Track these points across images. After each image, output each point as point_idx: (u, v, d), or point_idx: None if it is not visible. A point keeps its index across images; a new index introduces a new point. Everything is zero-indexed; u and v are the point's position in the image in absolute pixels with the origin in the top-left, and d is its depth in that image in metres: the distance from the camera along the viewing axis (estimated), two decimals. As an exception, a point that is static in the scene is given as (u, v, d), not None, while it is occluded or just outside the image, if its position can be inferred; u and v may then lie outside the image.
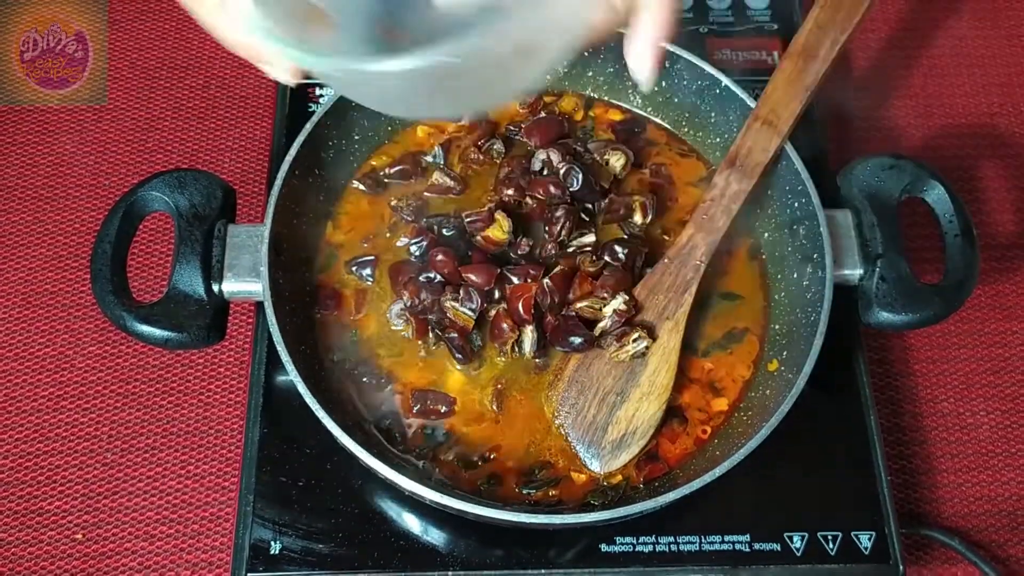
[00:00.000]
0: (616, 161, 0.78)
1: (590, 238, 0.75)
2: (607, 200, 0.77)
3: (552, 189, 0.75)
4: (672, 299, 0.72)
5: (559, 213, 0.74)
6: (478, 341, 0.72)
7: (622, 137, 0.82)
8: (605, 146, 0.79)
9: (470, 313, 0.71)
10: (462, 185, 0.79)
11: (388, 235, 0.77)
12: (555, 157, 0.77)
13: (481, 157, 0.80)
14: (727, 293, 0.77)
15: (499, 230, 0.73)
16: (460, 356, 0.71)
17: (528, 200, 0.76)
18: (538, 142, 0.79)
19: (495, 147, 0.80)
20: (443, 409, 0.71)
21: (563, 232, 0.74)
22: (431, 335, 0.72)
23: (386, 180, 0.79)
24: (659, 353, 0.71)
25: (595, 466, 0.70)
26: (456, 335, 0.71)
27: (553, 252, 0.74)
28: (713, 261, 0.74)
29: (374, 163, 0.80)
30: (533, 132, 0.80)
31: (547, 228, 0.75)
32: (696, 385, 0.74)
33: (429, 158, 0.80)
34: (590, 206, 0.77)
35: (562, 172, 0.76)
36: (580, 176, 0.75)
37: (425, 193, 0.79)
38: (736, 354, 0.75)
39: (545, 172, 0.77)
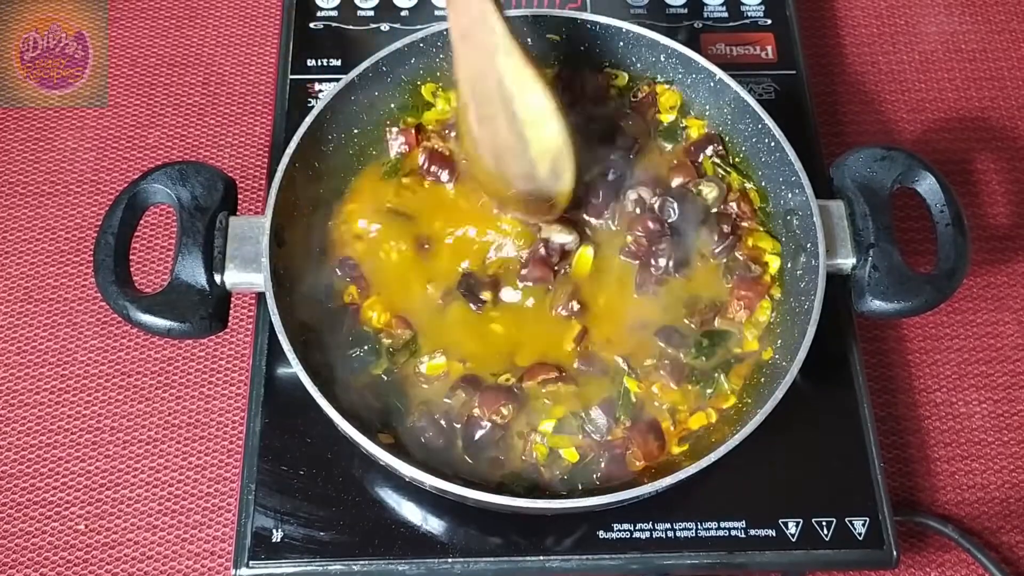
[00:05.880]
0: (709, 192, 0.78)
1: None
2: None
3: (651, 225, 0.75)
4: (482, 30, 0.68)
5: (663, 245, 0.75)
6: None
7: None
8: (699, 179, 0.79)
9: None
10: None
11: None
12: (646, 194, 0.77)
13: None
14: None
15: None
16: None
17: (629, 241, 0.76)
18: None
19: None
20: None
21: (670, 264, 0.75)
22: None
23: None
24: (509, 80, 0.69)
25: (550, 206, 0.72)
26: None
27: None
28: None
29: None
30: None
31: (653, 262, 0.75)
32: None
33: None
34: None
35: (656, 206, 0.76)
36: (676, 206, 0.76)
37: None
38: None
39: (639, 211, 0.77)
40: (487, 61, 0.70)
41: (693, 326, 0.74)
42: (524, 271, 0.75)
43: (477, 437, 0.70)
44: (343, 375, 0.72)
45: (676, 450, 0.71)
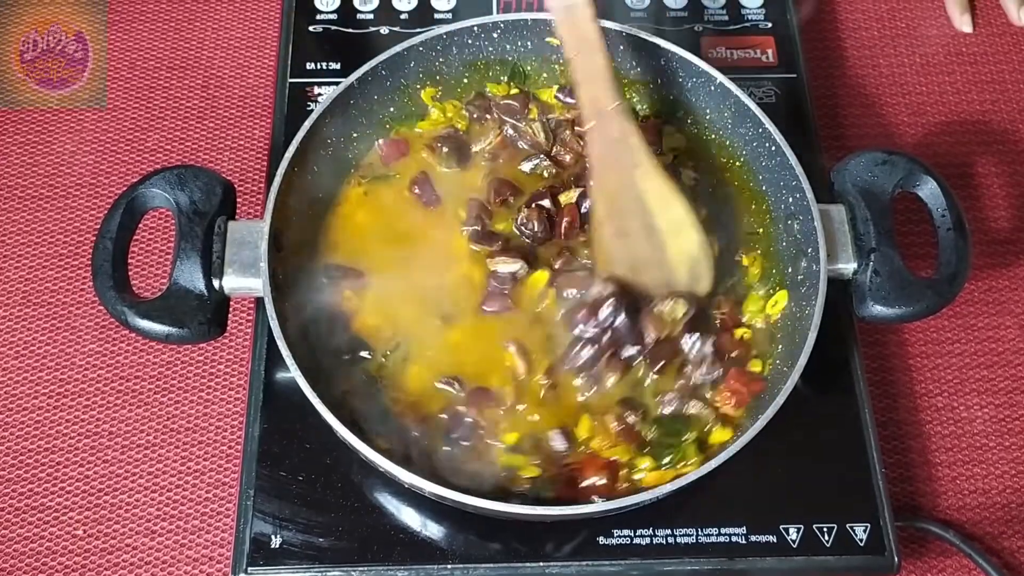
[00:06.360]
0: (674, 309, 0.70)
1: None
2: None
3: (582, 316, 0.70)
4: (622, 150, 0.71)
5: (581, 350, 0.70)
6: None
7: None
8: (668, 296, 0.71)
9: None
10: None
11: None
12: (608, 289, 0.71)
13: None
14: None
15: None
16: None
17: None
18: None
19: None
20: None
21: (583, 368, 0.70)
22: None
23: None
24: (649, 195, 0.71)
25: (692, 299, 0.71)
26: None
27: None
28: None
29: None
30: None
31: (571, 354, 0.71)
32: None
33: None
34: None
35: (604, 303, 0.70)
36: (621, 315, 0.69)
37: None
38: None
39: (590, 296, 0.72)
40: (626, 178, 0.72)
41: (658, 405, 0.71)
42: (484, 306, 0.74)
43: (455, 435, 0.70)
44: (340, 380, 0.72)
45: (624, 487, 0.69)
